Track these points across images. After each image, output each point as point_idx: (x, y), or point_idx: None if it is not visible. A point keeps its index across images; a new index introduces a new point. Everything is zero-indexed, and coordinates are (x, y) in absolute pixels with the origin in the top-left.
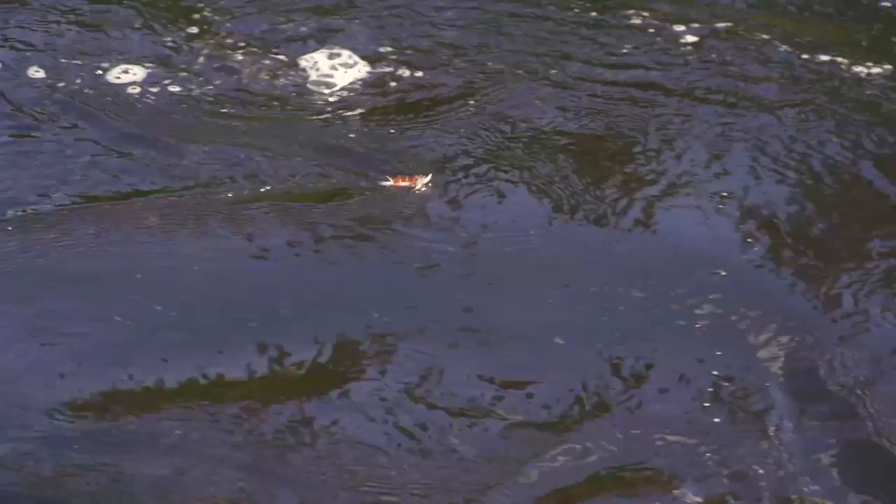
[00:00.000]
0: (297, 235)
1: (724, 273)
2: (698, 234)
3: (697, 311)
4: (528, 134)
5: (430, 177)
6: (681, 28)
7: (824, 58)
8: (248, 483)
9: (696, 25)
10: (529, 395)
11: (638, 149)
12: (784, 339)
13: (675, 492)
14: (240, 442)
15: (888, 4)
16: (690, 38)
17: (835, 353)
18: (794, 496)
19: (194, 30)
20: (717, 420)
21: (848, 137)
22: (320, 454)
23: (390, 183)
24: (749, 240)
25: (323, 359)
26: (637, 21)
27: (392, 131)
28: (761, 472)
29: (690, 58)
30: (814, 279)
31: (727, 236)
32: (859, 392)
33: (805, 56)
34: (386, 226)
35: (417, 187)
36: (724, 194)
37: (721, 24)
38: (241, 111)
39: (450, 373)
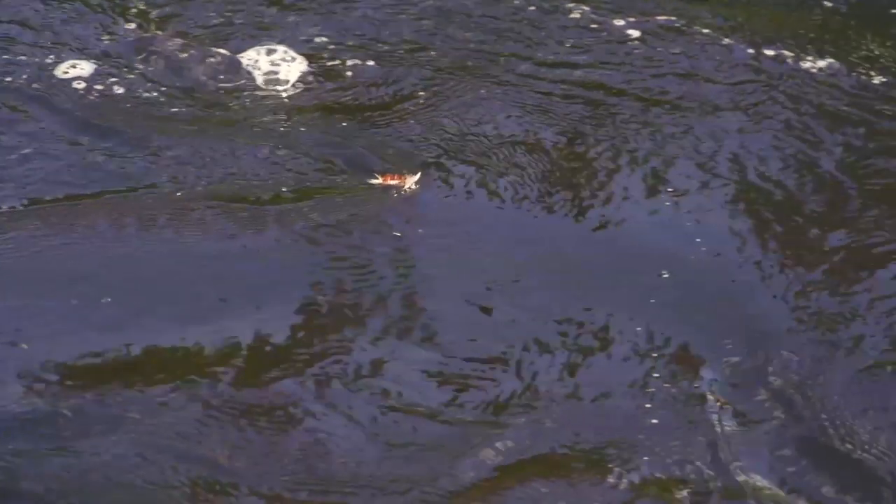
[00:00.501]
0: (248, 235)
1: (667, 275)
2: (647, 234)
3: (641, 310)
4: (478, 132)
5: (418, 176)
6: (621, 22)
7: (770, 52)
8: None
9: (637, 20)
10: (468, 389)
11: (588, 149)
12: (727, 337)
13: (613, 477)
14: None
15: None
16: (633, 33)
17: (778, 350)
18: (732, 482)
19: (138, 24)
20: (655, 411)
21: (795, 133)
22: (268, 445)
23: (379, 181)
24: (698, 239)
25: (267, 352)
26: (577, 15)
27: (344, 127)
28: (699, 461)
29: (637, 52)
30: (761, 277)
31: (675, 236)
32: (800, 386)
33: (751, 51)
34: (342, 225)
35: (406, 186)
36: (672, 191)
37: (662, 18)
38: (188, 108)
39: (393, 366)
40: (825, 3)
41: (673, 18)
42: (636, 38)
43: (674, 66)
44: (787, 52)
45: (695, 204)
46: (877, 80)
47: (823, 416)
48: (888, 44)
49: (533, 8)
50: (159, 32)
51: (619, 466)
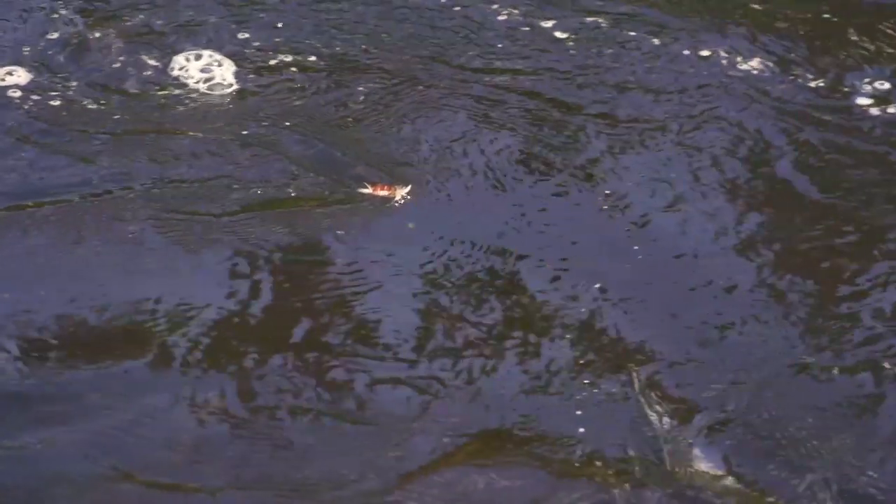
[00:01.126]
0: (191, 244)
1: (599, 286)
2: (583, 239)
3: (571, 309)
4: (413, 138)
5: (409, 187)
6: (548, 24)
7: (705, 53)
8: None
9: (559, 20)
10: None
11: (541, 156)
12: (659, 339)
13: (541, 453)
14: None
15: None
16: (559, 35)
17: (716, 347)
18: (658, 459)
19: (73, 33)
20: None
21: (731, 133)
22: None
23: (369, 191)
24: (636, 247)
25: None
26: (504, 17)
27: (281, 130)
28: (632, 447)
29: (572, 54)
30: (699, 279)
31: (610, 242)
32: (736, 383)
33: (686, 52)
34: (279, 243)
35: (397, 198)
36: (609, 195)
37: (589, 19)
38: (124, 116)
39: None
40: (754, 5)
41: (596, 18)
42: (561, 40)
43: (601, 72)
44: (723, 54)
45: (635, 209)
46: (813, 83)
47: (757, 412)
48: (822, 45)
49: (459, 8)
50: (96, 34)
51: (557, 452)
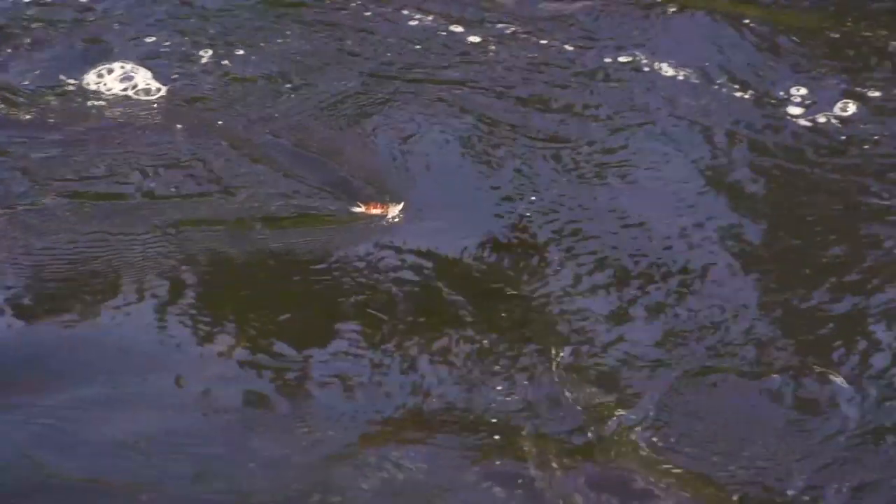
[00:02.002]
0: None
1: (513, 293)
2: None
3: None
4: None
5: (402, 205)
6: (459, 29)
7: (624, 59)
8: None
9: (472, 27)
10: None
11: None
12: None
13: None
14: None
15: None
16: (472, 39)
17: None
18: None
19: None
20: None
21: (659, 143)
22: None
23: (362, 209)
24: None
25: None
26: (415, 22)
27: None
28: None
29: (494, 63)
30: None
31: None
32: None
33: (607, 60)
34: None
35: (390, 216)
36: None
37: (501, 26)
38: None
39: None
40: (671, 8)
41: (512, 26)
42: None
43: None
44: (643, 59)
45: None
46: (739, 93)
47: (658, 413)
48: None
49: (369, 13)
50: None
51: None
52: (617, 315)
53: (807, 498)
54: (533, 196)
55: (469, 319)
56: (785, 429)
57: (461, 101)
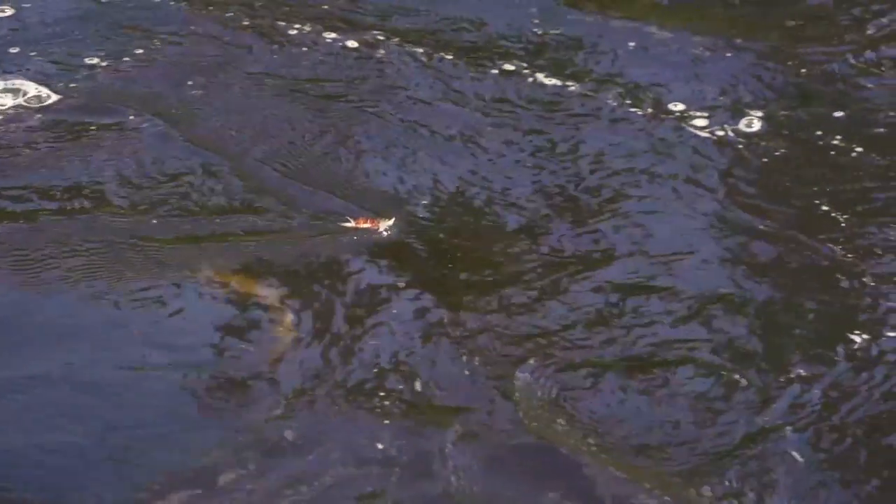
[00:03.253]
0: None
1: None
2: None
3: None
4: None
5: (392, 220)
6: (344, 38)
7: (509, 67)
8: None
9: (356, 34)
10: None
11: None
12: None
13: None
14: None
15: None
16: (354, 44)
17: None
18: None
19: None
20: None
21: (549, 143)
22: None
23: (352, 224)
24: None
25: None
26: (309, 29)
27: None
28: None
29: (384, 71)
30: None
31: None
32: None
33: (494, 72)
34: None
35: (380, 230)
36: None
37: (382, 36)
38: None
39: None
40: (534, 23)
41: (392, 33)
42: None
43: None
44: (543, 75)
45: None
46: (573, 87)
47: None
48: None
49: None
50: None
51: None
52: None
53: None
54: None
55: None
56: None
57: None
